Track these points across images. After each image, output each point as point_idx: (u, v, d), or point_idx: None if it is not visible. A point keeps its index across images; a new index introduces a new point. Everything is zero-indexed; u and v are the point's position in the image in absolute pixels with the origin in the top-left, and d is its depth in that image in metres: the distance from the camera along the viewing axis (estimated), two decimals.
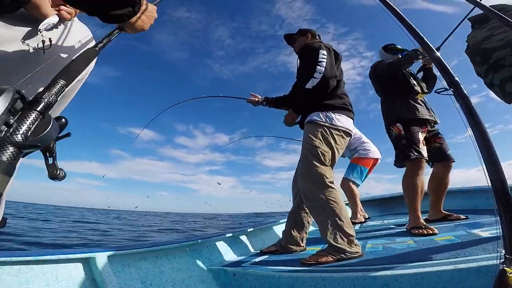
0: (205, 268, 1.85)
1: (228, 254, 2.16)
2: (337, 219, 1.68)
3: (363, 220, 3.53)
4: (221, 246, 2.18)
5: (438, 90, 0.80)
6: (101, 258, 1.44)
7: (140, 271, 1.58)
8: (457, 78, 0.78)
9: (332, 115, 1.89)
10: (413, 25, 0.96)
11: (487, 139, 0.71)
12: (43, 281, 1.24)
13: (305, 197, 1.84)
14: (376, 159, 3.83)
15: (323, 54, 1.88)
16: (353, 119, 2.02)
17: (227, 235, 2.31)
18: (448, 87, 0.78)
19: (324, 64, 1.84)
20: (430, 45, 0.89)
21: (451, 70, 0.80)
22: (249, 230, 2.61)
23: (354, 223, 3.34)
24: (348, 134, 1.96)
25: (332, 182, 1.77)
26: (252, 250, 2.43)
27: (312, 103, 1.94)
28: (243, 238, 2.49)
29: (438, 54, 0.85)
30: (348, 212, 4.68)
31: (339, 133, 1.89)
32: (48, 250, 1.43)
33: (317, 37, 2.31)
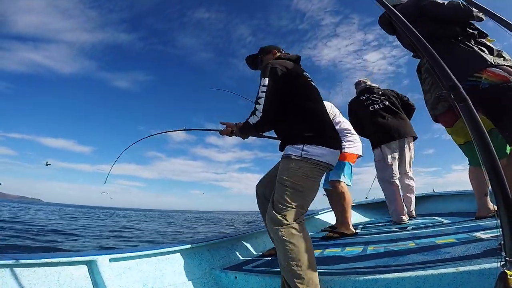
0: (206, 271, 1.85)
1: (229, 257, 2.16)
2: (291, 263, 1.39)
3: (354, 231, 2.89)
4: (222, 249, 2.18)
5: (438, 94, 0.80)
6: (102, 261, 1.45)
7: (142, 274, 1.58)
8: (456, 82, 0.78)
9: (310, 148, 1.57)
10: (408, 24, 0.95)
11: (487, 143, 0.71)
12: (45, 283, 1.24)
13: (268, 227, 1.60)
14: (359, 156, 3.26)
15: (264, 85, 1.68)
16: (337, 148, 1.67)
17: (229, 237, 2.31)
18: (448, 90, 0.78)
19: (263, 100, 1.66)
20: (428, 46, 0.88)
21: (450, 73, 0.80)
22: (250, 232, 2.61)
23: (345, 235, 2.80)
24: (328, 168, 1.66)
25: (294, 222, 1.48)
26: (253, 252, 2.43)
27: (287, 134, 1.70)
28: (245, 240, 2.49)
29: (436, 55, 0.84)
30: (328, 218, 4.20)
31: (317, 167, 1.58)
32: (50, 253, 1.44)
33: (282, 51, 2.07)
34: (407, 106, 3.70)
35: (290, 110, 1.70)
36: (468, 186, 2.72)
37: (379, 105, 3.57)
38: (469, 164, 2.56)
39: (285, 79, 1.71)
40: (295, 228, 1.46)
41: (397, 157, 3.46)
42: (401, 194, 3.48)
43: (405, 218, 3.30)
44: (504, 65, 1.64)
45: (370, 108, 3.58)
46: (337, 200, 3.01)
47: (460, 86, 0.78)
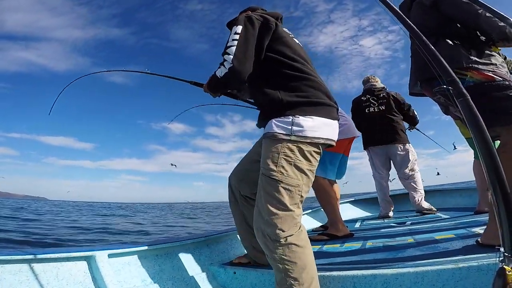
0: (205, 267, 1.85)
1: (229, 252, 2.16)
2: (293, 283, 1.14)
3: (347, 232, 2.40)
4: (222, 244, 2.18)
5: (437, 89, 0.79)
6: (101, 257, 1.45)
7: (141, 270, 1.59)
8: (455, 77, 0.77)
9: (302, 121, 1.21)
10: (406, 18, 0.94)
11: (486, 137, 0.70)
12: (43, 279, 1.24)
13: (260, 242, 1.27)
14: (352, 138, 2.72)
15: (236, 33, 1.31)
16: (335, 118, 1.34)
17: (228, 233, 2.31)
18: (446, 85, 0.77)
19: (233, 49, 1.28)
20: (425, 39, 0.87)
21: (449, 68, 0.79)
22: None
23: (336, 237, 2.36)
24: (329, 145, 1.31)
25: (294, 233, 1.18)
26: None
27: (268, 101, 1.30)
28: None
29: (433, 48, 0.83)
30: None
31: (316, 148, 1.24)
32: (49, 248, 1.44)
33: (259, 10, 1.63)
34: (405, 115, 3.73)
35: (270, 68, 1.34)
36: (470, 174, 2.72)
37: (374, 109, 3.65)
38: (474, 158, 2.55)
39: (264, 30, 1.35)
40: (295, 244, 1.16)
41: (383, 160, 3.65)
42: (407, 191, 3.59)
43: (391, 213, 3.56)
44: (479, 68, 1.49)
45: (366, 110, 3.67)
46: (324, 199, 2.54)
47: (459, 81, 0.77)
